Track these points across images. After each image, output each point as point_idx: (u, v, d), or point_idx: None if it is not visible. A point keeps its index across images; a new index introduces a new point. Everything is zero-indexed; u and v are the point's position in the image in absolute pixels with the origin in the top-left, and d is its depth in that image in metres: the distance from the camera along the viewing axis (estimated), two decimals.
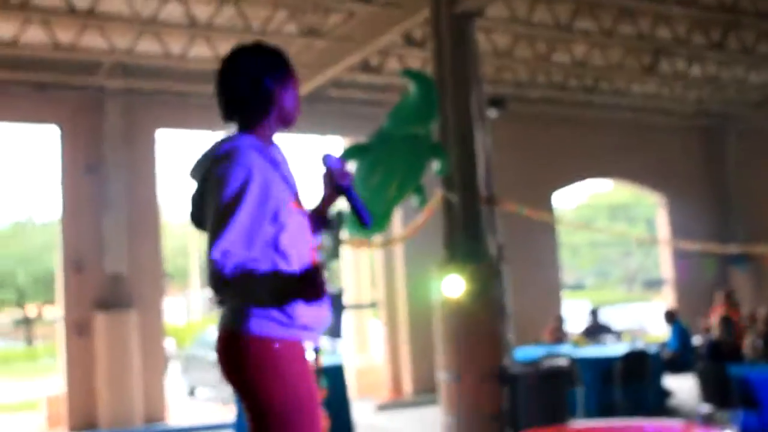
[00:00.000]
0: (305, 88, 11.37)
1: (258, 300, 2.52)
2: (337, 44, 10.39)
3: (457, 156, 8.27)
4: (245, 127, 2.71)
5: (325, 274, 2.44)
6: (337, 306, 5.46)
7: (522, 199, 10.38)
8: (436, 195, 8.51)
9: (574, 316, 15.40)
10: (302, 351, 2.62)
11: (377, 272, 13.11)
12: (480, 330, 7.89)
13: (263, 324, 2.54)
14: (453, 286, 7.83)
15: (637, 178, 15.19)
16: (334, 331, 5.40)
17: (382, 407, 11.50)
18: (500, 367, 7.89)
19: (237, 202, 2.50)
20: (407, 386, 12.21)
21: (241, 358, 2.55)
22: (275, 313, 2.54)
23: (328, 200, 2.94)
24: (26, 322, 28.55)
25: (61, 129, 11.18)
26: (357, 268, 13.66)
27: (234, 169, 2.54)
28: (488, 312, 7.96)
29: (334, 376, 7.27)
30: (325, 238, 5.58)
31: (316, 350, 5.55)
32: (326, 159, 2.83)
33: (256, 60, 2.72)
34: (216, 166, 2.59)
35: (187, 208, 2.77)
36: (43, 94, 10.96)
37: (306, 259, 2.67)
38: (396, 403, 11.70)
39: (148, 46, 10.33)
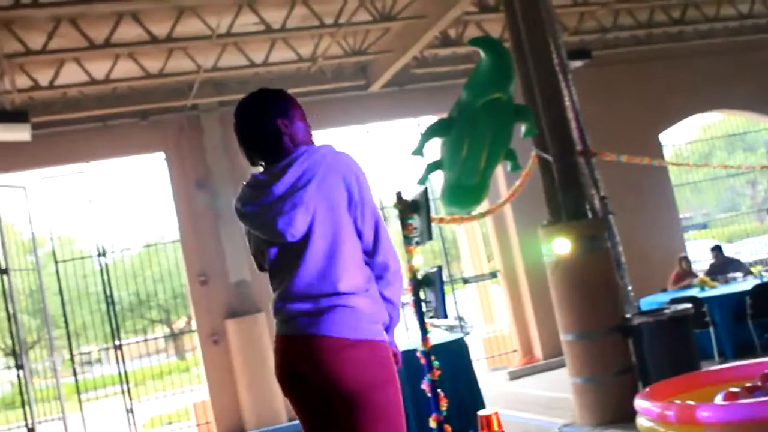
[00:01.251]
0: (389, 72, 11.47)
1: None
2: (413, 23, 10.40)
3: (545, 114, 8.16)
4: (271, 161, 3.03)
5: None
6: (437, 285, 5.52)
7: (626, 145, 10.12)
8: (531, 156, 8.44)
9: (702, 256, 14.92)
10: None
11: (492, 242, 13.08)
12: (596, 286, 7.76)
13: (379, 330, 2.87)
14: (561, 245, 7.75)
15: (746, 105, 14.45)
16: (438, 312, 5.45)
17: (514, 375, 11.51)
18: (622, 320, 7.77)
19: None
20: (537, 351, 12.15)
21: (348, 363, 2.74)
22: (379, 317, 2.88)
23: None
24: (174, 337, 29.95)
25: (166, 153, 11.66)
26: (473, 240, 13.66)
27: (360, 169, 2.98)
28: (601, 267, 7.83)
29: (453, 352, 7.32)
30: (415, 221, 5.67)
31: (425, 332, 5.67)
32: None
33: (258, 107, 3.01)
34: (361, 175, 2.95)
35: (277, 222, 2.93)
36: (144, 124, 11.46)
37: None
38: (528, 369, 11.67)
39: (231, 59, 10.64)
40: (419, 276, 5.61)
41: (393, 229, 6.67)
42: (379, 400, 2.71)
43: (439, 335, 7.59)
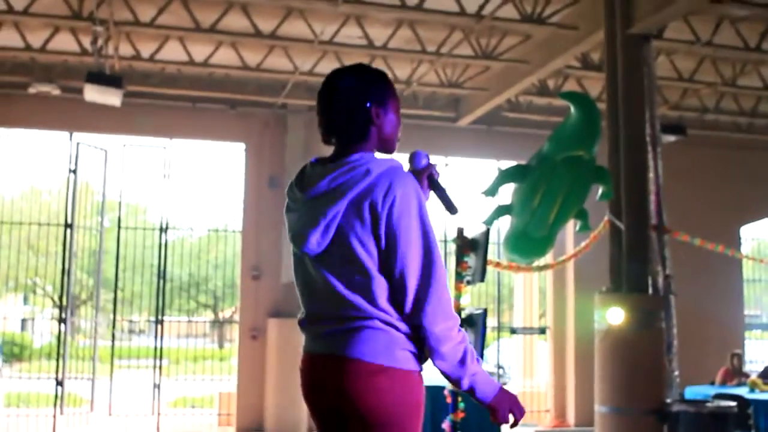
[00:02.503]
0: (480, 110, 11.45)
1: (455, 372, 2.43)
2: (513, 66, 10.37)
3: (626, 181, 8.04)
4: (346, 148, 2.60)
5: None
6: (480, 327, 5.45)
7: (703, 230, 9.87)
8: (604, 220, 8.31)
9: (759, 357, 14.43)
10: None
11: (548, 297, 12.90)
12: (642, 363, 7.60)
13: (406, 357, 2.43)
14: (616, 315, 7.60)
15: None
16: (478, 354, 5.37)
17: None
18: (661, 404, 7.56)
19: (428, 242, 2.43)
20: (570, 416, 11.89)
21: (378, 392, 2.39)
22: (410, 346, 2.43)
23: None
24: (219, 325, 30.31)
25: (247, 145, 11.85)
26: (529, 291, 13.50)
27: (410, 194, 2.44)
28: (652, 345, 7.66)
29: None
30: (471, 260, 5.63)
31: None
32: (416, 158, 2.77)
33: (357, 82, 2.62)
34: (405, 193, 2.44)
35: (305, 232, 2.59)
36: (232, 113, 11.68)
37: None
38: (557, 431, 11.42)
39: (328, 66, 10.75)
40: (463, 315, 5.56)
41: (448, 265, 6.62)
42: None
43: None
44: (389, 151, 2.66)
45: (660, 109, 10.59)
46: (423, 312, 2.37)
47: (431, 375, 2.68)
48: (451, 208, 2.76)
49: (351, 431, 2.43)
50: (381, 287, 2.43)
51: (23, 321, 30.40)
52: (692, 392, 9.67)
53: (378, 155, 2.59)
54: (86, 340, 15.04)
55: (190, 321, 29.60)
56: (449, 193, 2.75)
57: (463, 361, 2.38)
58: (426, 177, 2.72)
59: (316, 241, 2.51)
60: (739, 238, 13.26)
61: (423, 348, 2.43)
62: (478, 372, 2.40)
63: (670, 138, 10.43)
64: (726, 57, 10.36)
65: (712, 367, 10.93)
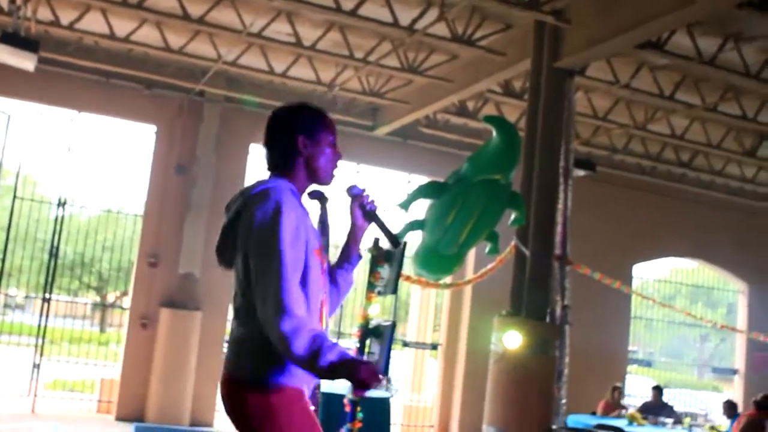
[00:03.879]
0: (398, 122, 11.50)
1: (319, 373, 2.51)
2: (436, 83, 10.45)
3: (537, 210, 8.20)
4: (279, 176, 2.81)
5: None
6: (387, 339, 5.44)
7: (600, 265, 10.17)
8: (510, 245, 8.45)
9: (636, 392, 14.95)
10: (301, 396, 2.65)
11: (443, 314, 13.03)
12: (534, 388, 7.74)
13: (261, 373, 2.60)
14: (512, 339, 7.72)
15: (724, 262, 14.66)
16: (380, 365, 5.36)
17: None
18: (548, 430, 7.72)
19: (280, 258, 2.53)
20: None
21: (240, 406, 2.62)
22: (272, 361, 2.58)
23: (359, 230, 3.00)
24: (103, 308, 29.40)
25: (158, 128, 11.56)
26: (424, 306, 13.61)
27: (274, 213, 2.58)
28: (545, 371, 7.81)
29: (377, 409, 7.22)
30: (384, 271, 5.62)
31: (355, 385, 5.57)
32: (351, 189, 2.94)
33: (293, 117, 2.83)
34: (253, 204, 2.64)
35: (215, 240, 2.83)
36: (146, 93, 11.37)
37: (314, 310, 2.70)
38: None
39: (252, 59, 10.61)
40: (370, 325, 5.55)
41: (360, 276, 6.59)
42: None
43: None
44: (323, 182, 2.87)
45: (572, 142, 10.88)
46: (265, 318, 2.49)
47: (328, 383, 2.75)
48: (391, 238, 2.93)
49: None
50: (248, 302, 2.60)
51: None
52: (574, 420, 9.93)
53: (275, 182, 2.74)
54: None
55: (72, 301, 28.65)
56: (387, 224, 2.91)
57: (318, 357, 2.42)
58: (358, 207, 2.93)
59: (222, 257, 2.78)
60: (631, 276, 13.74)
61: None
62: (331, 358, 2.43)
63: (579, 172, 10.71)
64: (640, 101, 10.72)
65: (593, 398, 11.28)
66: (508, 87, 10.68)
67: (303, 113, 2.84)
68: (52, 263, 11.43)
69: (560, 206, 8.37)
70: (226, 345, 2.79)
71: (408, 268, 9.81)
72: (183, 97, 11.54)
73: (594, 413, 10.91)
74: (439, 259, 7.61)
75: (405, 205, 7.55)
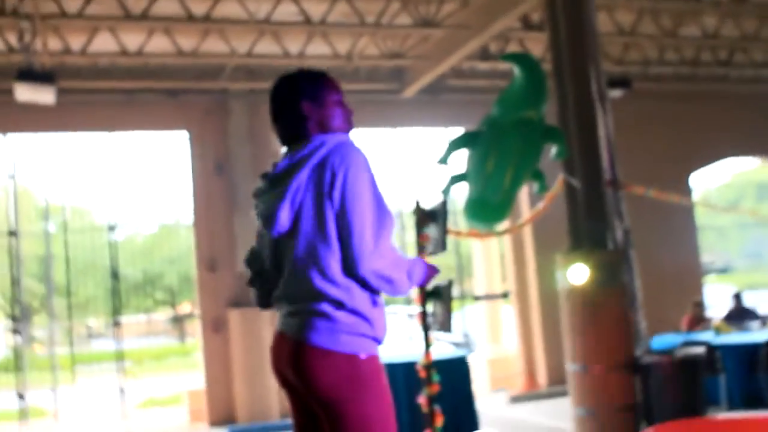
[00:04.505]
0: (424, 79, 11.30)
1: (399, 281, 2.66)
2: (454, 33, 10.23)
3: (578, 139, 7.98)
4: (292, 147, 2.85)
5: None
6: (446, 299, 5.34)
7: (655, 182, 9.88)
8: (558, 180, 8.25)
9: (719, 301, 14.63)
10: (381, 364, 2.71)
11: (508, 261, 12.88)
12: (608, 319, 7.57)
13: (353, 341, 2.62)
14: (578, 274, 7.56)
15: None
16: (445, 326, 5.26)
17: (515, 399, 11.27)
18: (631, 357, 7.56)
19: (378, 198, 2.64)
20: (542, 377, 11.91)
21: (328, 375, 2.60)
22: (363, 328, 2.63)
23: None
24: (178, 320, 29.94)
25: (190, 133, 11.55)
26: (488, 258, 13.46)
27: (359, 161, 2.65)
28: (616, 300, 7.63)
29: (455, 369, 7.14)
30: (431, 231, 5.49)
31: (428, 345, 5.49)
32: None
33: (293, 85, 2.84)
34: (336, 159, 2.65)
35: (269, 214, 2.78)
36: (172, 100, 11.35)
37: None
38: (530, 394, 11.42)
39: (267, 47, 10.52)
40: (429, 288, 5.44)
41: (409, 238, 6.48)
42: (356, 414, 2.59)
43: (442, 351, 7.40)
44: None
45: (603, 64, 10.57)
46: (363, 258, 2.57)
47: (401, 352, 2.90)
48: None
49: (312, 406, 2.70)
50: (336, 258, 2.60)
51: None
52: (659, 342, 9.73)
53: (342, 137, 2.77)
54: (45, 349, 14.69)
55: (148, 320, 29.22)
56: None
57: (410, 277, 2.69)
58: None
59: (285, 216, 2.69)
60: (689, 187, 13.37)
61: (375, 326, 2.64)
62: (415, 273, 2.72)
63: (616, 93, 10.40)
64: (665, 8, 10.37)
65: (675, 316, 11.05)
66: (527, 21, 10.41)
67: (302, 79, 2.85)
68: (116, 287, 11.49)
69: (601, 131, 8.13)
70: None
71: (460, 222, 9.69)
72: (208, 98, 11.50)
73: (679, 331, 10.68)
74: (488, 208, 7.44)
75: (443, 160, 7.40)
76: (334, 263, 2.60)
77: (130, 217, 28.15)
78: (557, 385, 10.95)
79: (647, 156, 11.76)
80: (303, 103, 2.78)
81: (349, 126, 2.86)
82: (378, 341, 2.68)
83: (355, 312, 2.60)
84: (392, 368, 6.88)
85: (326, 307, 2.59)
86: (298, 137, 2.79)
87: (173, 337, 30.36)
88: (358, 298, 2.61)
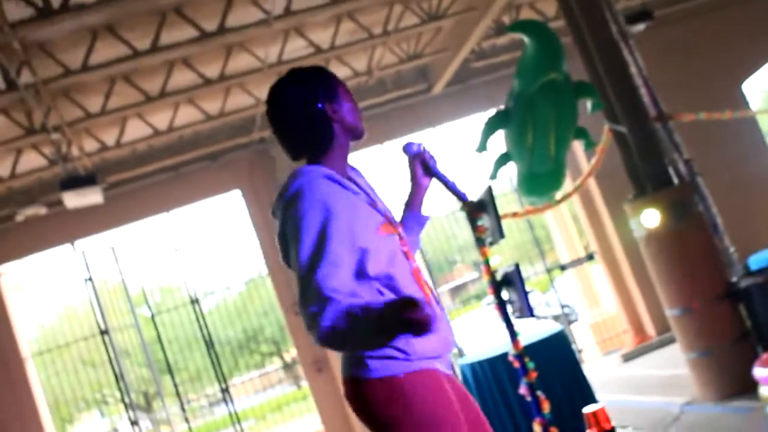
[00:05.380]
0: (449, 71, 11.22)
1: (364, 346, 2.36)
2: (463, 18, 10.13)
3: (611, 85, 7.79)
4: (314, 158, 2.56)
5: (427, 304, 2.21)
6: (518, 284, 5.26)
7: (707, 102, 9.62)
8: (605, 131, 8.07)
9: None
10: (432, 377, 2.45)
11: (583, 223, 12.65)
12: (692, 254, 7.36)
13: (382, 364, 2.40)
14: (650, 218, 7.37)
15: None
16: (523, 311, 5.18)
17: (628, 357, 11.03)
18: (728, 286, 7.31)
19: (322, 241, 2.32)
20: (649, 329, 11.62)
21: (370, 405, 2.42)
22: (391, 351, 2.39)
23: (422, 189, 2.81)
24: (288, 367, 30.33)
25: (242, 190, 11.70)
26: (563, 226, 13.25)
27: (307, 206, 2.36)
28: (696, 233, 7.41)
29: (555, 346, 7.00)
30: (485, 221, 5.43)
31: (514, 335, 5.41)
32: (408, 147, 2.77)
33: (297, 87, 2.54)
34: (289, 208, 2.41)
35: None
36: (215, 165, 11.54)
37: (407, 284, 2.50)
38: (642, 348, 11.15)
39: None
40: (498, 277, 5.37)
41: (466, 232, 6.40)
42: None
43: (536, 331, 7.28)
44: (359, 136, 2.62)
45: (620, 2, 10.32)
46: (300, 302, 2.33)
47: (482, 349, 2.56)
48: (456, 193, 2.74)
49: None
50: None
51: None
52: (756, 261, 9.38)
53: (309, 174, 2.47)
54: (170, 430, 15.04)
55: (262, 374, 29.67)
56: (451, 179, 2.73)
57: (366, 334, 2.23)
58: (419, 164, 2.75)
59: (285, 260, 2.54)
60: (744, 96, 12.91)
61: (402, 345, 2.38)
62: (361, 326, 2.21)
63: (640, 27, 10.13)
64: None
65: (766, 231, 10.67)
66: None
67: (309, 79, 2.55)
68: (214, 355, 11.65)
69: (633, 69, 7.93)
70: None
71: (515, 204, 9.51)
72: (249, 152, 11.66)
73: None
74: (541, 180, 7.36)
75: (481, 147, 7.33)
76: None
77: (215, 283, 28.72)
78: (667, 332, 10.67)
79: (692, 79, 11.42)
80: (324, 106, 2.51)
81: (360, 119, 2.61)
82: (422, 361, 2.42)
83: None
84: (492, 363, 6.82)
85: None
86: (316, 147, 2.53)
87: (289, 384, 30.79)
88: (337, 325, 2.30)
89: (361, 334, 2.23)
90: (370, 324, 2.19)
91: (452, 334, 2.59)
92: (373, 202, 2.54)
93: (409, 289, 2.48)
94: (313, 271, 2.31)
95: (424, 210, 2.85)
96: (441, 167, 2.76)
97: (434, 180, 2.80)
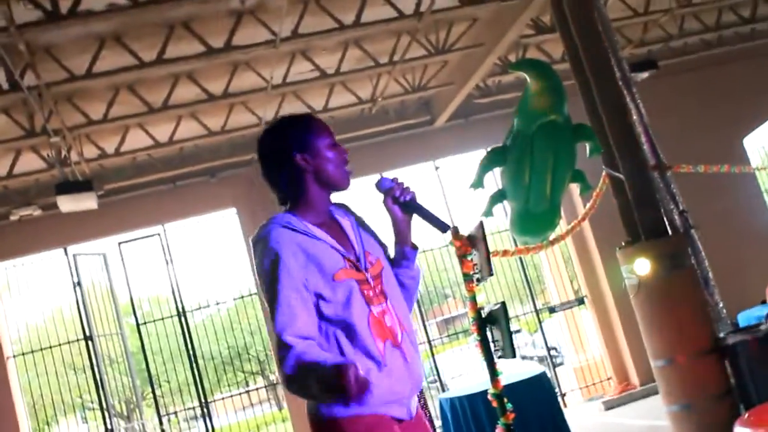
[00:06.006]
0: (452, 105, 11.26)
1: (313, 396, 2.44)
2: (470, 53, 10.20)
3: (612, 130, 7.80)
4: (292, 205, 2.68)
5: (358, 371, 2.19)
6: (503, 323, 5.23)
7: (707, 155, 9.64)
8: (602, 176, 8.08)
9: None
10: (378, 423, 2.49)
11: (576, 266, 12.64)
12: (682, 306, 7.30)
13: (330, 405, 2.47)
14: (641, 266, 7.34)
15: None
16: (507, 351, 5.13)
17: (610, 404, 10.96)
18: (715, 341, 7.27)
19: (274, 288, 2.46)
20: (633, 377, 11.57)
21: None
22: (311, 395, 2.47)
23: (402, 223, 2.80)
24: (272, 387, 30.15)
25: (238, 209, 11.69)
26: (555, 268, 13.23)
27: (264, 254, 2.51)
28: (686, 285, 7.37)
29: (536, 387, 6.97)
30: (474, 257, 5.40)
31: (494, 374, 5.37)
32: (381, 183, 2.78)
33: (275, 135, 2.67)
34: (254, 253, 2.58)
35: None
36: (213, 181, 11.55)
37: (362, 330, 2.53)
38: (624, 397, 11.09)
39: (291, 107, 10.58)
40: (483, 315, 5.34)
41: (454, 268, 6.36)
42: None
43: (518, 372, 7.25)
44: (341, 187, 2.68)
45: (625, 49, 10.39)
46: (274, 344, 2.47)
47: (464, 386, 2.59)
48: (437, 225, 2.71)
49: None
50: None
51: None
52: (745, 317, 9.36)
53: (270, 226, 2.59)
54: None
55: (245, 392, 29.46)
56: (429, 210, 2.72)
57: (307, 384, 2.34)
58: (390, 200, 2.74)
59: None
60: (745, 152, 12.96)
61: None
62: (314, 379, 2.29)
63: (644, 75, 10.20)
64: None
65: (757, 287, 10.63)
66: (538, 25, 10.30)
67: (287, 129, 2.66)
68: (195, 370, 11.59)
69: (635, 117, 7.95)
70: None
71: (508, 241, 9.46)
72: (248, 170, 11.62)
73: (764, 301, 10.27)
74: (535, 219, 7.34)
75: (477, 184, 7.33)
76: None
77: (206, 298, 28.58)
78: (651, 383, 10.61)
79: (693, 131, 11.47)
80: (295, 156, 2.60)
81: (343, 170, 2.67)
82: (369, 408, 2.46)
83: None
84: (471, 400, 6.78)
85: None
86: (293, 196, 2.65)
87: (271, 404, 30.58)
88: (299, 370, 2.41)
89: (312, 388, 2.33)
90: (315, 381, 2.29)
91: (417, 375, 2.61)
92: (339, 246, 2.60)
93: (363, 335, 2.51)
94: (273, 317, 2.45)
95: (412, 243, 2.84)
96: (418, 200, 2.76)
97: (412, 214, 2.79)
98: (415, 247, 2.84)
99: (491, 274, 5.26)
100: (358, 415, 2.45)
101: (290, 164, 2.60)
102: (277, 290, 2.45)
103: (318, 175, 2.61)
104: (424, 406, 4.50)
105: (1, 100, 8.49)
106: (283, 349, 2.38)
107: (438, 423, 8.09)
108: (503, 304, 5.31)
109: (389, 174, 2.76)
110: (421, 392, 4.69)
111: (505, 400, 5.35)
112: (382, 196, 2.79)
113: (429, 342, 12.14)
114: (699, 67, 12.39)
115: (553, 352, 13.40)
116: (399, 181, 2.76)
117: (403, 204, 2.75)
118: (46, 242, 11.17)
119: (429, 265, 13.32)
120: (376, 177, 2.83)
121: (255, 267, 2.56)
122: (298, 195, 2.64)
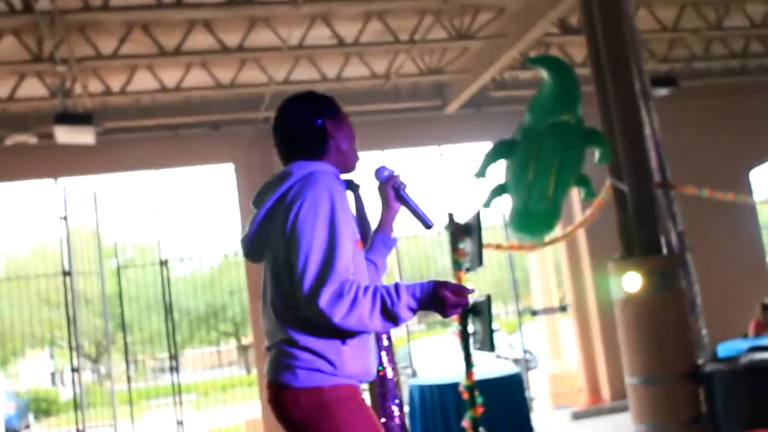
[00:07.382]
0: (466, 93, 11.12)
1: (371, 327, 2.42)
2: (492, 43, 10.05)
3: (623, 142, 7.70)
4: (313, 159, 2.68)
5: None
6: (485, 316, 5.15)
7: (712, 180, 9.50)
8: (606, 185, 7.97)
9: None
10: (356, 394, 2.54)
11: (564, 273, 12.56)
12: (666, 327, 7.24)
13: (309, 375, 2.46)
14: (631, 281, 7.26)
15: None
16: (485, 344, 5.07)
17: (578, 415, 10.91)
18: (693, 366, 7.21)
19: (331, 233, 2.42)
20: (605, 392, 11.52)
21: (293, 412, 2.48)
22: (320, 364, 2.46)
23: (392, 213, 2.87)
24: (243, 351, 30.17)
25: (236, 165, 11.56)
26: (543, 271, 13.15)
27: (318, 194, 2.46)
28: (673, 307, 7.30)
29: (508, 386, 6.89)
30: (467, 246, 5.32)
31: (469, 366, 5.30)
32: (380, 171, 2.84)
33: (307, 104, 2.71)
34: (295, 192, 2.50)
35: (244, 239, 2.71)
36: (215, 134, 11.40)
37: None
38: (593, 410, 11.04)
39: (304, 72, 10.47)
40: (468, 304, 5.26)
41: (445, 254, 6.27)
42: None
43: (492, 369, 7.17)
44: (349, 168, 2.74)
45: (648, 63, 10.26)
46: (305, 296, 2.36)
47: (435, 375, 2.71)
48: (422, 220, 2.75)
49: None
50: (291, 294, 2.44)
51: (52, 375, 30.31)
52: (725, 349, 9.30)
53: (318, 166, 2.60)
54: (117, 385, 14.84)
55: (216, 352, 29.45)
56: (419, 205, 2.78)
57: (373, 311, 2.36)
58: (390, 189, 2.81)
59: (252, 245, 2.64)
60: (750, 184, 12.87)
61: (337, 364, 2.46)
62: (399, 302, 2.37)
63: (663, 91, 10.08)
64: (708, 0, 10.01)
65: (741, 321, 10.58)
66: (564, 25, 10.16)
67: (316, 97, 2.73)
68: (171, 321, 11.49)
69: (647, 131, 7.85)
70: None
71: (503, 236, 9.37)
72: (251, 129, 11.51)
73: (746, 335, 10.22)
74: (534, 218, 7.23)
75: (480, 173, 7.22)
76: (288, 299, 2.47)
77: (191, 251, 28.48)
78: (621, 399, 10.56)
79: (703, 155, 11.37)
80: (323, 121, 2.65)
81: (355, 152, 2.75)
82: (346, 378, 2.49)
83: (308, 350, 2.46)
84: (441, 390, 6.69)
85: (284, 344, 2.50)
86: (313, 153, 2.66)
87: (240, 367, 30.57)
88: (312, 336, 2.45)
89: (369, 319, 2.37)
90: (398, 302, 2.37)
91: (375, 365, 2.68)
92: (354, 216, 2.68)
93: None
94: (331, 264, 2.40)
95: (394, 232, 2.93)
96: (410, 193, 2.82)
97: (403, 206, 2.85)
98: (395, 239, 2.94)
99: (481, 265, 5.19)
100: (337, 384, 2.47)
101: (319, 127, 2.65)
102: (335, 244, 2.41)
103: (338, 147, 2.68)
104: (400, 405, 4.44)
105: (12, 21, 8.30)
106: (330, 303, 2.34)
107: (406, 409, 8.02)
108: (488, 297, 5.24)
109: (391, 155, 2.78)
110: (398, 395, 4.63)
111: (476, 393, 5.29)
112: (377, 183, 2.86)
113: (406, 327, 12.07)
114: (719, 93, 12.26)
115: (528, 356, 13.34)
116: (396, 172, 2.84)
117: (400, 195, 2.82)
118: (37, 171, 11.01)
119: (416, 252, 13.22)
120: (378, 154, 2.86)
121: (302, 207, 2.44)
122: (318, 155, 2.66)
